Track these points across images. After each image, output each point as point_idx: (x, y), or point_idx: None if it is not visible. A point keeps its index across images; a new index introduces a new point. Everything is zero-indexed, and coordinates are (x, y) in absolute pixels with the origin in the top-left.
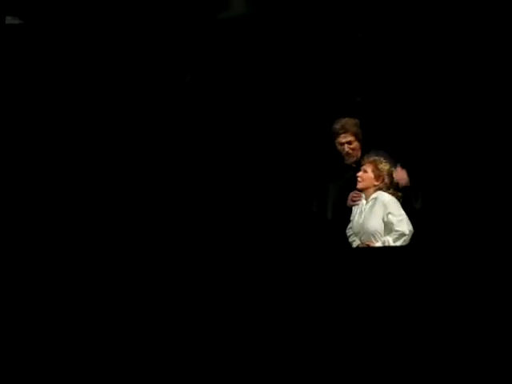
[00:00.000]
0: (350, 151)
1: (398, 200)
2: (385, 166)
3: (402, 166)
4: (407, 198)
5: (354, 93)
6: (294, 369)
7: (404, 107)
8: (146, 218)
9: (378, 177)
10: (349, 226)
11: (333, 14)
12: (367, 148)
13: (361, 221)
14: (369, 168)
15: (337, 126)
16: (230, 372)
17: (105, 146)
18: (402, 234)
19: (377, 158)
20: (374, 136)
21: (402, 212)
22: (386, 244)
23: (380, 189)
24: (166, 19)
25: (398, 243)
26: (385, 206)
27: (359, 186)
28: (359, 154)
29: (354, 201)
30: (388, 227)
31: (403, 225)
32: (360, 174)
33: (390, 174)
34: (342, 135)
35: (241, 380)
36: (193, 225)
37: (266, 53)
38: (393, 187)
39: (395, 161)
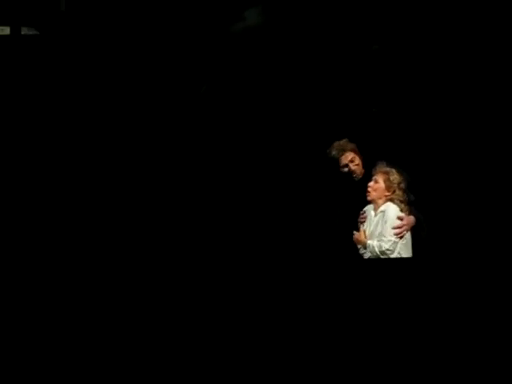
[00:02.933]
0: (355, 167)
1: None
2: (396, 178)
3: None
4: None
5: (369, 103)
6: (296, 372)
7: (416, 117)
8: (145, 218)
9: (389, 188)
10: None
11: (347, 26)
12: (370, 161)
13: (368, 232)
14: (380, 178)
15: (333, 151)
16: (229, 372)
17: (104, 146)
18: (382, 251)
19: (389, 169)
20: (381, 148)
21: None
22: (370, 246)
23: (391, 200)
24: (180, 29)
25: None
26: (386, 218)
27: (370, 197)
28: (362, 169)
29: (361, 222)
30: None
31: (389, 244)
32: (371, 184)
33: (401, 186)
34: (343, 157)
35: (241, 380)
36: (194, 226)
37: (279, 63)
38: (404, 200)
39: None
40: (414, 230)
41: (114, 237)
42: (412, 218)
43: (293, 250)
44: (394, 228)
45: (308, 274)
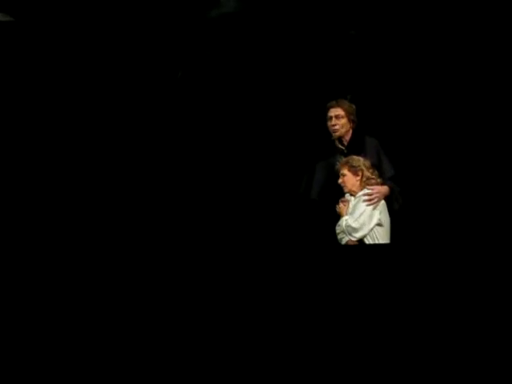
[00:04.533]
0: (337, 126)
1: None
2: (358, 160)
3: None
4: (389, 201)
5: (345, 89)
6: (281, 366)
7: (395, 103)
8: (137, 215)
9: (355, 173)
10: (338, 224)
11: (325, 11)
12: (360, 135)
13: (346, 217)
14: (344, 170)
15: (331, 102)
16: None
17: (96, 146)
18: (349, 227)
19: (346, 158)
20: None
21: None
22: (344, 222)
23: (369, 184)
24: (156, 17)
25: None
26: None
27: (345, 190)
28: (348, 136)
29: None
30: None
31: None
32: (340, 180)
33: (368, 166)
34: (332, 109)
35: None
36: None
37: (256, 49)
38: (375, 175)
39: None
40: (388, 201)
41: (113, 237)
42: (385, 188)
43: (269, 222)
44: (364, 195)
45: (285, 260)
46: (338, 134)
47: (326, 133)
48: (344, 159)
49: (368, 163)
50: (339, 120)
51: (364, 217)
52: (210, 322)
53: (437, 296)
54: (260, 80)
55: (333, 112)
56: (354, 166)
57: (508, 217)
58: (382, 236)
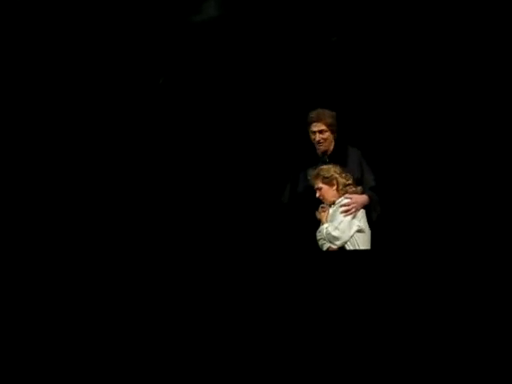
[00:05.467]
0: (322, 140)
1: None
2: (328, 170)
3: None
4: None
5: (328, 93)
6: (262, 374)
7: (377, 110)
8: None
9: (330, 183)
10: (318, 230)
11: (307, 17)
12: (342, 145)
13: (327, 225)
14: (318, 182)
15: (312, 114)
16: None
17: (85, 148)
18: (330, 236)
19: (315, 169)
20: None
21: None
22: (324, 230)
23: (347, 191)
24: (138, 23)
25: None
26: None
27: (326, 203)
28: (331, 147)
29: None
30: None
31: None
32: (317, 194)
33: (339, 172)
34: (315, 123)
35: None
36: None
37: (238, 55)
38: (351, 183)
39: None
40: (367, 211)
41: (112, 236)
42: (363, 197)
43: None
44: (342, 206)
45: (266, 267)
46: (323, 148)
47: (309, 141)
48: (314, 173)
49: (338, 168)
50: (323, 134)
51: (344, 225)
52: (186, 333)
53: (420, 300)
54: (243, 86)
55: (316, 127)
56: (326, 177)
57: (487, 225)
58: (362, 242)
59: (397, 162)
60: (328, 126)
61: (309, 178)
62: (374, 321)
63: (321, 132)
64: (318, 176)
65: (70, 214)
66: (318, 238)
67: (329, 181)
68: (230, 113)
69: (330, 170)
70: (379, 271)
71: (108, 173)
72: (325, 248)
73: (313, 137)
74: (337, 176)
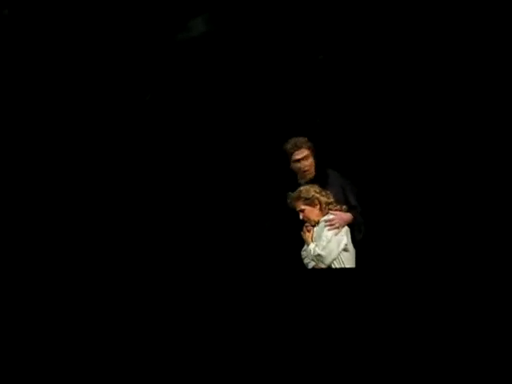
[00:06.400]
0: (307, 168)
1: None
2: (308, 191)
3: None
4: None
5: (313, 114)
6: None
7: (361, 128)
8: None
9: (312, 204)
10: (303, 249)
11: (293, 35)
12: (322, 169)
13: (313, 245)
14: (300, 204)
15: (288, 145)
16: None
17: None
18: (317, 255)
19: (294, 192)
20: (329, 157)
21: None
22: (312, 250)
23: (330, 209)
24: (123, 40)
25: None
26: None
27: (311, 223)
28: (314, 172)
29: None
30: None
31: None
32: (300, 217)
33: (319, 191)
34: (296, 152)
35: None
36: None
37: (224, 73)
38: (331, 201)
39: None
40: (351, 230)
41: (112, 236)
42: (347, 215)
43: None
44: (326, 221)
45: (251, 284)
46: (309, 176)
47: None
48: (293, 195)
49: (317, 187)
50: (307, 161)
51: (332, 244)
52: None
53: (405, 316)
54: (228, 103)
55: (299, 155)
56: (308, 199)
57: (472, 246)
58: (347, 260)
59: (378, 180)
60: (309, 150)
61: (289, 201)
62: (362, 336)
63: (305, 159)
64: (298, 198)
65: (70, 214)
66: (303, 256)
67: (310, 202)
68: (215, 130)
69: (310, 190)
70: (364, 289)
71: (108, 173)
72: (310, 266)
73: (298, 165)
74: (317, 196)
